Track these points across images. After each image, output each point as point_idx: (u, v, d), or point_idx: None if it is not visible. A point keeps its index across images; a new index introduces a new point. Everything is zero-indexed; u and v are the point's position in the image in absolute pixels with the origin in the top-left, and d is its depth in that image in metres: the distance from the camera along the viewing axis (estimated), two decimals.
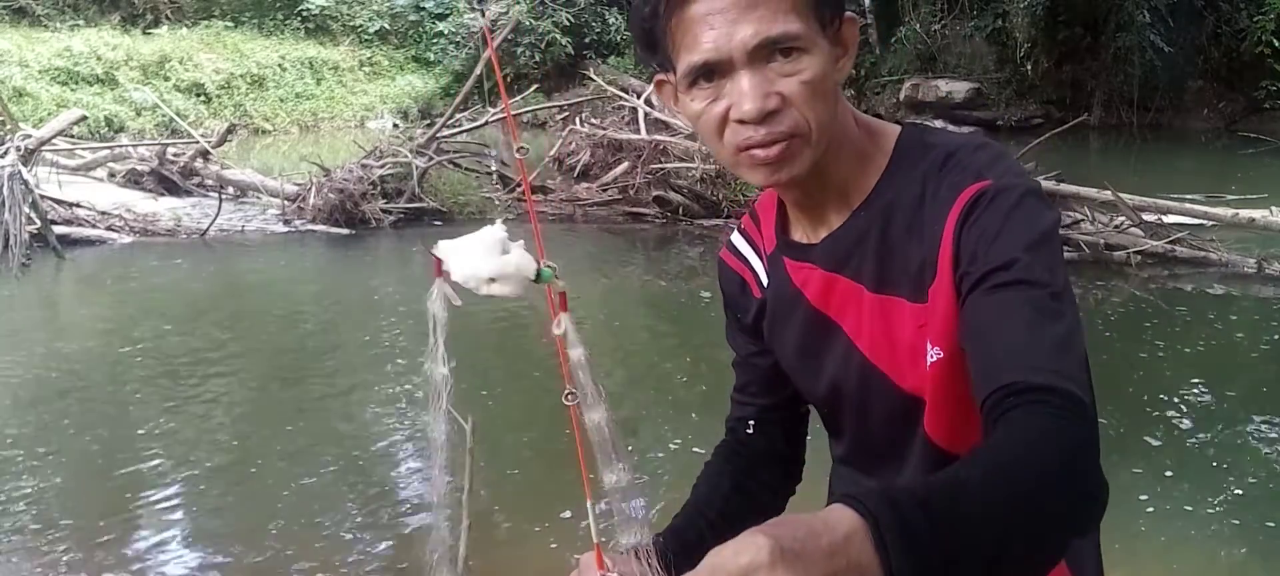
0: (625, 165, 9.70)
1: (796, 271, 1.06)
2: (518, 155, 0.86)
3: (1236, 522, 3.66)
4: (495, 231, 0.86)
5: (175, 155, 10.55)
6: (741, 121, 0.91)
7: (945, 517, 0.65)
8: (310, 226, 9.03)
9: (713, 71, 0.92)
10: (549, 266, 0.85)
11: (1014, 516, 0.69)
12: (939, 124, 10.42)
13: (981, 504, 0.68)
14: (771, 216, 1.11)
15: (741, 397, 1.21)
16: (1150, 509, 3.75)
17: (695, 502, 1.16)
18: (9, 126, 8.92)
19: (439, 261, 0.86)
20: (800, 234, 1.07)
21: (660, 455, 4.25)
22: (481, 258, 0.85)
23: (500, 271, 0.84)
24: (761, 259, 1.13)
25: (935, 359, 0.96)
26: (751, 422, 1.20)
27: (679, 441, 4.35)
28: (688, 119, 0.99)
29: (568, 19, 19.45)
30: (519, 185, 9.62)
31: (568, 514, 3.56)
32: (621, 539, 0.87)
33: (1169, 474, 4.07)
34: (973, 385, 0.87)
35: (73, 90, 15.91)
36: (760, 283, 1.13)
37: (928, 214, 0.95)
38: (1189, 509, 3.74)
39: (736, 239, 1.17)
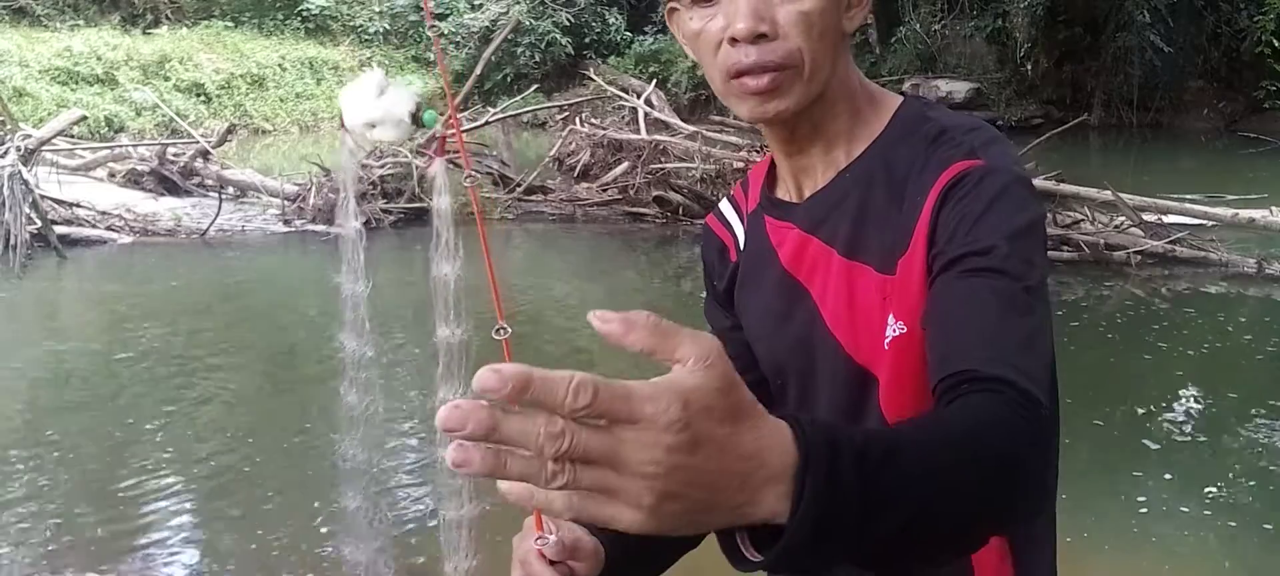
0: (625, 165, 9.71)
1: (775, 230, 1.05)
2: (432, 33, 0.84)
3: (1233, 525, 3.66)
4: (375, 75, 0.81)
5: (175, 155, 10.54)
6: (734, 40, 0.91)
7: (877, 475, 0.60)
8: (310, 226, 9.03)
9: None
10: (432, 109, 0.80)
11: (945, 492, 0.64)
12: None
13: (918, 470, 0.63)
14: (761, 177, 1.10)
15: None
16: (1145, 510, 3.76)
17: None
18: (9, 126, 8.91)
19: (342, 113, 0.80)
20: (786, 193, 1.06)
21: None
22: (364, 103, 0.79)
23: (380, 115, 0.79)
24: (742, 221, 1.11)
25: (897, 333, 0.93)
26: None
27: None
28: (686, 41, 0.99)
29: (568, 19, 19.46)
30: (519, 184, 9.64)
31: None
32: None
33: (1167, 475, 4.08)
34: (929, 366, 0.85)
35: (73, 90, 15.90)
36: (738, 246, 1.11)
37: (912, 186, 0.94)
38: (1186, 510, 3.74)
39: (723, 204, 1.15)
